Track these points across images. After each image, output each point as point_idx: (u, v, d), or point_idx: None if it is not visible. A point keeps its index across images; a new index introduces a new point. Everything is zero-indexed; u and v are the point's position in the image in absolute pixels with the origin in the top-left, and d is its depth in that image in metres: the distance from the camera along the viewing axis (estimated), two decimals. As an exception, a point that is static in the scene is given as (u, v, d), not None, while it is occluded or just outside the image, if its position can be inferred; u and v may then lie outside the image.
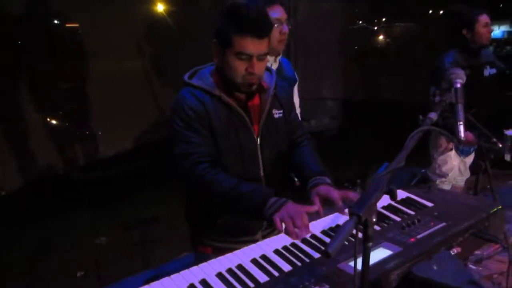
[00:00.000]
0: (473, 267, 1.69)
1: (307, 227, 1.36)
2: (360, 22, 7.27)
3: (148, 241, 3.66)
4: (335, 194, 1.49)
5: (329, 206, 1.58)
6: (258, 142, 1.65)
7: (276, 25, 2.26)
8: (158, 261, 3.35)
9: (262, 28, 1.50)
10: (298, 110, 2.55)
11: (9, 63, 4.02)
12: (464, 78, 1.43)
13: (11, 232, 3.79)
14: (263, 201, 1.45)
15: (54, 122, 4.54)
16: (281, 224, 1.38)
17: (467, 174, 3.54)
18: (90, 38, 4.55)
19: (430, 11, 7.08)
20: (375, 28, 7.45)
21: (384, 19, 7.44)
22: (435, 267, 1.01)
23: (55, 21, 4.52)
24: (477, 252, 1.34)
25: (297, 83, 2.61)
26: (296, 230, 1.35)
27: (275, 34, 2.27)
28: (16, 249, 3.64)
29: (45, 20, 4.41)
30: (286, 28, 2.32)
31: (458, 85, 1.40)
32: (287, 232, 1.37)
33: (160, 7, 5.04)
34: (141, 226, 3.95)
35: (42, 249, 3.60)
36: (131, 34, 4.91)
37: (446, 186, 3.50)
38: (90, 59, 4.62)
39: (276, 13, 2.28)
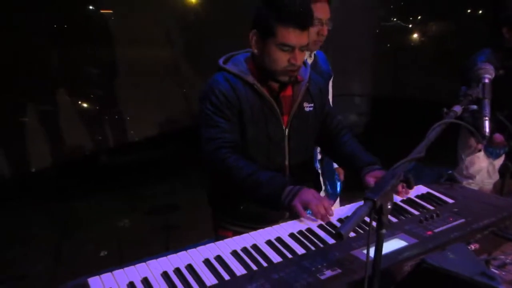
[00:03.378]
0: (496, 271, 1.66)
1: (331, 208, 1.40)
2: (394, 19, 7.15)
3: (170, 227, 3.73)
4: None
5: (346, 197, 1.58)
6: (286, 133, 1.66)
7: (314, 25, 2.10)
8: (178, 247, 3.40)
9: (305, 20, 1.49)
10: None
11: (42, 47, 4.15)
12: (493, 73, 1.40)
13: (39, 210, 3.93)
14: (280, 189, 1.46)
15: (84, 105, 4.68)
16: (303, 210, 1.40)
17: (496, 177, 3.44)
18: (123, 25, 4.64)
19: (467, 11, 6.89)
20: (409, 25, 7.31)
21: (419, 17, 7.29)
22: (448, 257, 1.01)
23: (90, 7, 4.63)
24: (501, 256, 1.32)
25: (331, 78, 2.50)
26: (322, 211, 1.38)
27: (312, 34, 2.08)
28: (42, 227, 3.76)
29: (80, 5, 4.52)
30: (326, 31, 2.16)
31: (486, 80, 1.37)
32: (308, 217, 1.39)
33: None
34: (163, 212, 4.03)
35: (67, 228, 3.72)
36: (162, 22, 4.99)
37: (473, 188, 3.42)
38: (122, 46, 4.72)
39: (318, 12, 2.10)
